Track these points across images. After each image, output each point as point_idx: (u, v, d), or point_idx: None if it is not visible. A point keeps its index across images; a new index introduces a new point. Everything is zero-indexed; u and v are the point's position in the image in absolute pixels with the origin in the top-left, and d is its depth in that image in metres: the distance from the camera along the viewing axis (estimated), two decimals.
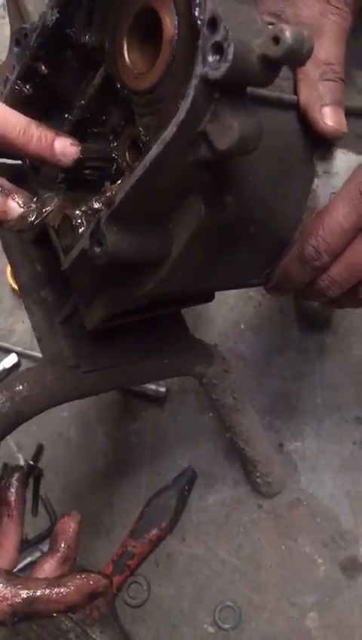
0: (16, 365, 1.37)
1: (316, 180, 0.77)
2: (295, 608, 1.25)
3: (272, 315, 1.43)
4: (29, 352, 1.37)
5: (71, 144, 0.67)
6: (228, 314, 1.41)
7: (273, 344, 1.41)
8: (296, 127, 0.74)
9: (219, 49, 0.51)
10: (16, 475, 0.83)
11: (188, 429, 1.36)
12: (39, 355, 1.31)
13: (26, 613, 0.70)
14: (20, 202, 0.67)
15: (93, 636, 1.18)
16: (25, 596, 0.70)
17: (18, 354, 1.37)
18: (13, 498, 0.82)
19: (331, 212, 0.75)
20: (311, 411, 1.35)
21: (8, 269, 1.40)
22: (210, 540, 1.30)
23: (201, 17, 0.52)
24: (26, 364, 1.39)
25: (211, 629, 1.25)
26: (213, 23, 0.51)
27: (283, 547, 1.28)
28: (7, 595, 0.69)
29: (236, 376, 1.05)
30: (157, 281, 0.68)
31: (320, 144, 0.76)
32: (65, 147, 0.67)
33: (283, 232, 0.77)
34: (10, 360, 1.36)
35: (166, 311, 0.86)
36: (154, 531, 1.27)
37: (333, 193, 0.78)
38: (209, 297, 0.90)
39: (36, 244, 0.86)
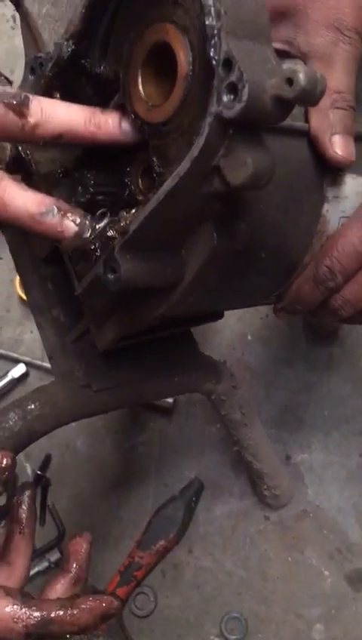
0: (24, 375, 1.37)
1: (326, 205, 0.78)
2: (301, 620, 1.26)
3: (280, 327, 1.43)
4: (38, 362, 1.38)
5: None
6: (236, 325, 1.42)
7: (280, 356, 1.42)
8: (307, 154, 0.75)
9: (233, 89, 0.52)
10: (27, 492, 0.84)
11: (196, 440, 1.37)
12: (48, 365, 1.33)
13: (40, 635, 0.71)
14: (76, 220, 0.68)
15: None
16: (39, 618, 0.71)
17: (26, 364, 1.38)
18: (24, 515, 0.82)
19: (346, 234, 0.77)
20: (319, 423, 1.36)
21: (17, 279, 1.41)
22: (217, 552, 1.31)
23: (216, 57, 0.54)
24: (34, 374, 1.40)
25: None
26: (228, 64, 0.53)
27: (289, 559, 1.30)
28: (22, 617, 0.70)
29: (244, 391, 1.07)
30: (168, 305, 0.70)
31: (330, 170, 0.77)
32: (127, 124, 0.69)
33: (293, 256, 0.79)
34: (19, 370, 1.37)
35: (175, 330, 0.88)
36: (162, 542, 1.28)
37: (343, 217, 0.80)
38: (218, 316, 0.91)
39: (47, 263, 0.87)
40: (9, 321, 1.45)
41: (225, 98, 0.53)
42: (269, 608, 1.27)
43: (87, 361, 0.86)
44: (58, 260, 0.82)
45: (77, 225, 0.68)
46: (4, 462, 0.74)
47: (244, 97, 0.52)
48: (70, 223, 0.68)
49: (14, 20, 1.51)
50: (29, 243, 0.89)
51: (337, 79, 0.75)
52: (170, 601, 1.29)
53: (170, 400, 1.35)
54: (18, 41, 1.34)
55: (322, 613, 1.26)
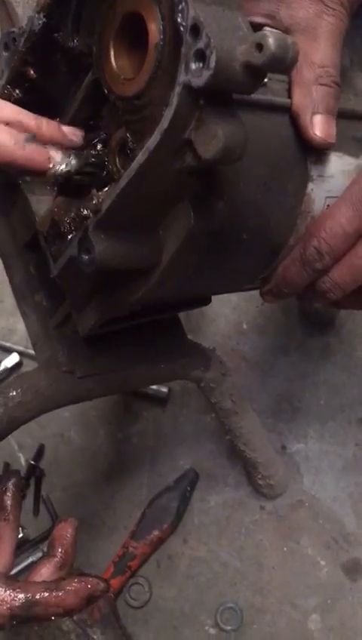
0: (17, 365, 1.36)
1: (310, 184, 0.76)
2: (297, 610, 1.24)
3: (275, 316, 1.42)
4: (31, 352, 1.36)
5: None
6: (231, 314, 1.40)
7: (276, 345, 1.40)
8: (289, 131, 0.73)
9: (201, 56, 0.50)
10: (13, 480, 0.84)
11: (190, 430, 1.35)
12: None
13: (25, 617, 0.71)
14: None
15: (94, 637, 1.18)
16: (24, 600, 0.71)
17: (20, 353, 1.37)
18: (9, 502, 0.82)
19: (334, 214, 0.75)
20: (314, 413, 1.34)
21: None
22: (212, 542, 1.29)
23: (184, 23, 0.51)
24: (27, 363, 1.38)
25: (213, 631, 1.24)
26: (195, 30, 0.50)
27: (285, 549, 1.28)
28: (6, 599, 0.70)
29: (235, 379, 1.05)
30: (147, 288, 0.68)
31: (314, 148, 0.75)
32: (70, 129, 0.67)
33: (277, 237, 0.76)
34: (12, 359, 1.35)
35: (161, 316, 0.85)
36: (156, 532, 1.26)
37: (329, 197, 0.78)
38: (205, 301, 0.89)
39: (29, 248, 0.85)
40: (2, 310, 1.43)
41: (193, 66, 0.51)
42: (265, 598, 1.26)
43: (70, 347, 0.84)
44: (40, 245, 0.80)
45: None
46: None
47: (212, 64, 0.49)
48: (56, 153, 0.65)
49: None
50: (11, 227, 0.86)
51: (321, 53, 0.73)
52: (164, 591, 1.27)
53: (165, 389, 1.33)
54: None
55: (318, 604, 1.25)
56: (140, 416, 1.36)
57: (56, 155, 0.66)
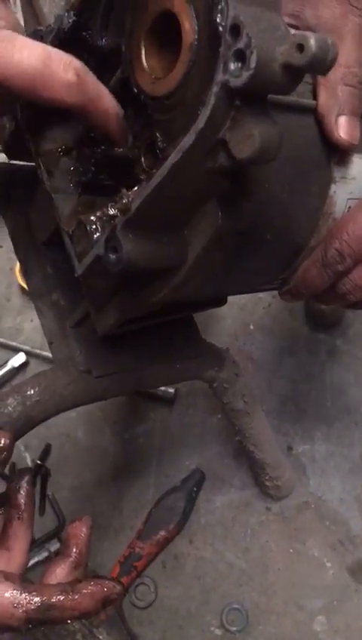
0: (24, 364, 1.36)
1: (333, 186, 0.76)
2: (302, 612, 1.25)
3: (282, 317, 1.42)
4: (38, 352, 1.37)
5: None
6: (238, 315, 1.41)
7: (282, 345, 1.41)
8: (314, 132, 0.73)
9: (241, 56, 0.50)
10: (26, 478, 0.82)
11: (197, 431, 1.36)
12: (48, 354, 1.31)
13: (41, 620, 0.69)
14: None
15: (100, 637, 1.17)
16: (40, 603, 0.69)
17: (26, 353, 1.37)
18: (23, 501, 0.81)
19: (356, 217, 0.75)
20: (321, 414, 1.35)
21: (17, 267, 1.39)
22: (218, 543, 1.29)
23: (223, 23, 0.51)
24: (34, 363, 1.38)
25: (218, 632, 1.24)
26: (236, 30, 0.50)
27: (291, 550, 1.28)
28: (22, 602, 0.68)
29: (246, 380, 1.05)
30: (171, 288, 0.67)
31: (338, 149, 0.75)
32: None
33: (299, 238, 0.76)
34: (19, 359, 1.35)
35: (178, 315, 0.85)
36: (162, 533, 1.26)
37: (350, 199, 0.77)
38: (221, 302, 0.89)
39: (47, 247, 0.85)
40: (9, 310, 1.43)
41: (232, 66, 0.50)
42: (270, 600, 1.26)
43: (87, 347, 0.84)
44: (58, 243, 0.79)
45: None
46: (2, 441, 0.72)
47: (253, 64, 0.49)
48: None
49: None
50: (29, 226, 0.86)
51: (346, 53, 0.72)
52: (170, 591, 1.27)
53: (171, 390, 1.34)
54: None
55: (324, 605, 1.25)
56: (147, 417, 1.36)
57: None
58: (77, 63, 0.62)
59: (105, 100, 0.65)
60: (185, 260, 0.65)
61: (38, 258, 0.87)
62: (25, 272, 0.89)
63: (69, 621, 0.73)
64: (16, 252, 0.89)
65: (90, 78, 0.63)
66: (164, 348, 0.90)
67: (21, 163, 0.84)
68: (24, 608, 0.69)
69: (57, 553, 1.24)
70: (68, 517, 1.28)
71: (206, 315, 1.35)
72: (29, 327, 1.41)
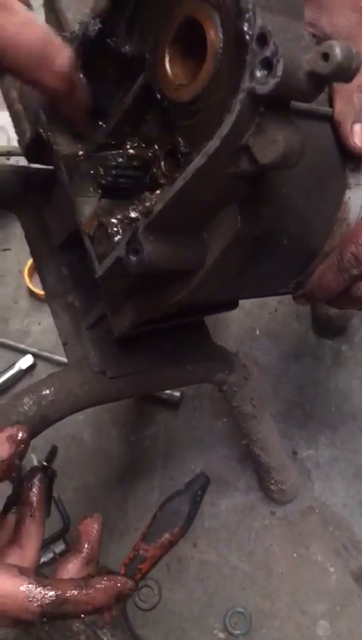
0: (32, 366, 1.38)
1: (347, 192, 0.77)
2: (306, 616, 1.26)
3: (288, 322, 1.44)
4: (45, 354, 1.39)
5: None
6: (244, 319, 1.43)
7: (288, 351, 1.43)
8: (330, 139, 0.74)
9: (268, 64, 0.51)
10: (38, 476, 0.83)
11: (202, 434, 1.37)
12: (55, 357, 1.33)
13: (55, 614, 0.70)
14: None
15: (104, 638, 1.19)
16: (54, 597, 0.69)
17: (34, 355, 1.38)
18: (35, 499, 0.81)
19: None
20: (326, 419, 1.37)
21: (26, 270, 1.41)
22: (222, 546, 1.31)
23: (250, 32, 0.53)
24: (41, 365, 1.40)
25: (221, 635, 1.26)
26: (263, 39, 0.51)
27: (294, 555, 1.30)
28: (36, 596, 0.68)
29: (255, 384, 1.06)
30: (189, 290, 0.68)
31: (352, 156, 0.77)
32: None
33: (314, 243, 0.78)
34: (27, 361, 1.37)
35: (191, 318, 0.87)
36: (166, 536, 1.28)
37: None
38: (233, 305, 0.90)
39: (63, 249, 0.86)
40: (17, 312, 1.45)
41: (258, 74, 0.52)
42: (274, 604, 1.28)
43: (102, 348, 0.85)
44: (74, 245, 0.81)
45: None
46: (20, 435, 0.73)
47: (279, 72, 0.51)
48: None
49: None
50: (45, 229, 0.88)
51: None
52: (174, 594, 1.29)
53: (177, 393, 1.35)
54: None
55: (327, 610, 1.27)
56: (153, 420, 1.38)
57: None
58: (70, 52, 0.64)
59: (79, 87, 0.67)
60: (203, 263, 0.67)
61: (53, 260, 0.88)
62: (40, 274, 0.90)
63: (82, 615, 0.75)
64: (32, 254, 0.90)
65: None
66: (176, 350, 0.91)
67: (36, 167, 0.85)
68: (39, 602, 0.69)
69: (62, 554, 1.26)
70: (73, 518, 1.29)
71: (213, 319, 1.36)
72: (37, 329, 1.43)
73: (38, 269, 0.91)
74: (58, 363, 1.38)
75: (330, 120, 0.74)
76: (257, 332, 1.43)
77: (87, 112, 0.70)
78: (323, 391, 1.39)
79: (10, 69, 0.63)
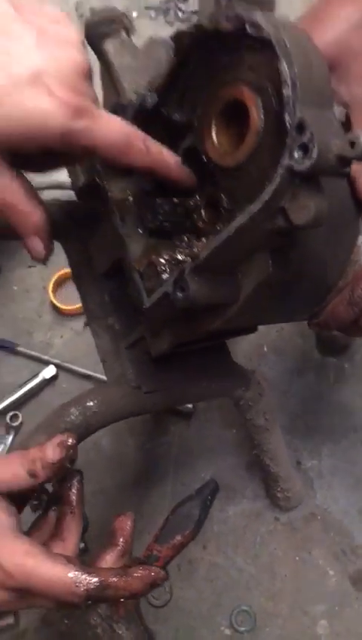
0: (54, 377, 1.50)
1: (360, 237, 0.92)
2: (307, 616, 1.37)
3: (294, 340, 1.56)
4: (67, 365, 1.51)
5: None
6: (253, 337, 1.53)
7: (294, 367, 1.55)
8: (346, 192, 0.89)
9: (304, 148, 0.66)
10: (77, 478, 0.96)
11: (213, 444, 1.49)
12: (76, 368, 1.46)
13: (98, 598, 0.83)
14: None
15: (119, 632, 1.28)
16: (98, 583, 0.82)
17: (56, 366, 1.50)
18: (74, 498, 0.94)
19: None
20: (328, 432, 1.48)
21: (50, 286, 1.54)
22: (229, 549, 1.42)
23: (290, 121, 0.67)
24: (63, 375, 1.52)
25: (228, 632, 1.36)
26: (301, 127, 0.66)
27: (297, 558, 1.41)
28: (83, 582, 0.81)
29: (267, 399, 1.20)
30: (222, 320, 0.83)
31: None
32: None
33: (330, 280, 0.92)
34: (50, 371, 1.49)
35: (218, 340, 1.01)
36: (178, 538, 1.34)
37: None
38: (254, 329, 1.05)
39: (106, 277, 1.00)
40: (41, 325, 1.57)
41: (296, 155, 0.66)
42: (277, 604, 1.38)
43: (138, 366, 0.99)
44: (115, 274, 0.95)
45: None
46: (70, 441, 0.87)
47: (314, 155, 0.65)
48: None
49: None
50: (88, 257, 1.01)
51: None
52: (184, 593, 1.39)
53: (190, 405, 1.48)
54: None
55: (326, 610, 1.37)
56: (167, 430, 1.50)
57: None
58: (144, 135, 0.79)
59: (167, 160, 0.82)
60: (237, 299, 0.81)
61: (96, 286, 1.02)
62: (82, 298, 1.03)
63: (121, 600, 0.88)
64: (75, 279, 1.04)
65: (153, 144, 0.80)
66: (202, 368, 1.05)
67: (77, 202, 0.99)
68: (85, 587, 0.82)
69: (81, 554, 1.38)
70: (91, 520, 1.39)
71: None
72: (59, 342, 1.55)
73: (80, 293, 1.04)
74: (78, 374, 1.50)
75: (347, 176, 0.89)
76: (265, 349, 1.55)
77: (180, 168, 0.84)
78: (325, 405, 1.50)
79: (105, 160, 0.79)
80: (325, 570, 1.40)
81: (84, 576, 0.83)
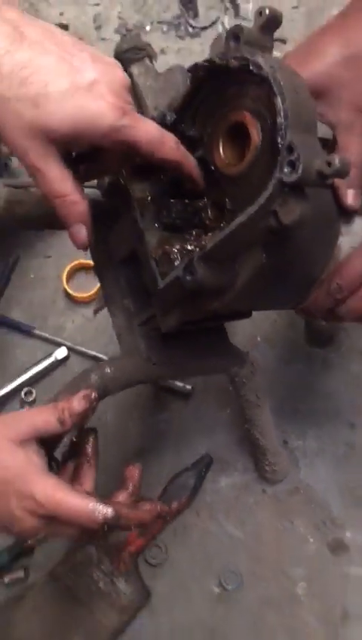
0: (66, 358, 1.65)
1: (340, 238, 1.09)
2: (288, 578, 1.49)
3: (285, 331, 1.70)
4: (78, 347, 1.67)
5: None
6: (248, 328, 1.65)
7: (284, 357, 1.69)
8: (330, 198, 1.07)
9: (292, 165, 0.86)
10: (92, 434, 1.14)
11: (208, 422, 1.59)
12: (86, 350, 1.62)
13: (113, 525, 0.99)
14: None
15: (119, 585, 1.46)
16: (113, 513, 0.99)
17: (68, 348, 1.65)
18: (90, 450, 1.12)
19: (352, 260, 1.09)
20: (313, 415, 1.60)
21: (64, 275, 1.69)
22: (220, 517, 1.53)
23: (281, 143, 0.87)
24: (74, 357, 1.66)
25: (217, 590, 1.48)
26: (290, 148, 0.86)
27: (281, 527, 1.52)
28: (101, 511, 0.98)
29: (259, 378, 1.38)
30: (222, 303, 0.99)
31: (346, 212, 1.11)
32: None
33: (315, 274, 1.09)
34: (62, 352, 1.64)
35: (219, 322, 1.20)
36: (175, 504, 1.51)
37: (351, 247, 1.12)
38: (248, 314, 1.23)
39: (123, 265, 1.18)
40: (54, 310, 1.72)
41: (285, 169, 0.86)
42: (261, 566, 1.50)
43: (148, 341, 1.16)
44: (131, 261, 1.13)
45: None
46: (93, 394, 1.05)
47: (299, 171, 0.85)
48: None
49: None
50: (107, 246, 1.18)
51: (356, 144, 1.09)
52: (178, 554, 1.51)
53: (189, 387, 1.63)
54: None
55: (306, 574, 1.49)
56: (168, 407, 1.64)
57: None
58: (173, 135, 0.98)
59: (190, 158, 1.01)
60: (234, 285, 0.97)
61: (113, 272, 1.20)
62: (101, 282, 1.22)
63: (132, 528, 1.06)
64: (95, 266, 1.23)
65: (180, 143, 0.99)
66: (204, 345, 1.23)
67: (95, 199, 1.15)
68: (103, 515, 0.99)
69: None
70: (96, 488, 1.55)
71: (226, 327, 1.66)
72: (71, 326, 1.69)
73: (99, 278, 1.23)
74: (88, 355, 1.65)
75: (331, 186, 1.09)
76: (258, 338, 1.67)
77: (198, 171, 1.02)
78: (312, 392, 1.61)
79: (142, 156, 0.96)
80: (306, 538, 1.52)
81: (101, 507, 1.00)
